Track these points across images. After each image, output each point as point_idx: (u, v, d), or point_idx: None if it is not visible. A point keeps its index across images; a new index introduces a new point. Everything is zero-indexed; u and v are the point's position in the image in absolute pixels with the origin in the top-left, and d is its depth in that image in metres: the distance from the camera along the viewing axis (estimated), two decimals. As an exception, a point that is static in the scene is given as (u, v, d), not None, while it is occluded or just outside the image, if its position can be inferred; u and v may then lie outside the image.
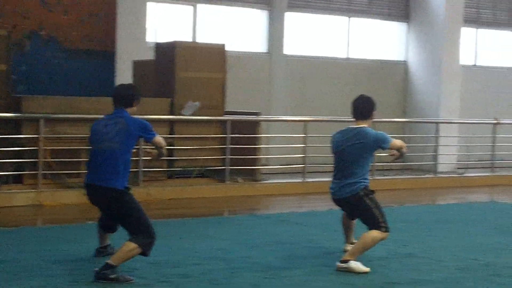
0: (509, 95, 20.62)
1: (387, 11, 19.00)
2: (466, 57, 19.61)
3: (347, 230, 8.12)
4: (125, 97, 7.14)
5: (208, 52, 13.39)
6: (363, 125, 7.61)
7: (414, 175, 16.24)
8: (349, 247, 7.80)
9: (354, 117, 7.68)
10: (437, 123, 16.74)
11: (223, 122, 13.44)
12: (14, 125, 11.88)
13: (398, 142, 7.62)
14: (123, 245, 6.65)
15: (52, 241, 8.40)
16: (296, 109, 17.47)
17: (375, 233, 7.31)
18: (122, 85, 7.42)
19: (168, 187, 12.70)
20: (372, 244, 7.34)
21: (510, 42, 21.02)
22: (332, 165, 7.79)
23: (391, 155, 7.79)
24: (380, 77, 18.85)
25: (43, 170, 11.67)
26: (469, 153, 18.68)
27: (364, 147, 7.47)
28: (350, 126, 7.67)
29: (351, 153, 7.49)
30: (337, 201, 7.71)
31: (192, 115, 13.17)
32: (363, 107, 7.65)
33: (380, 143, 7.49)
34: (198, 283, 6.56)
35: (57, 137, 11.90)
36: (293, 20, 17.65)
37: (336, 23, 18.34)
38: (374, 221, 7.36)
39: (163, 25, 15.98)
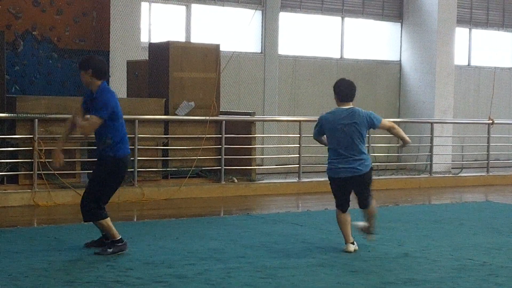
0: (503, 95, 20.68)
1: (380, 11, 19.03)
2: (459, 57, 19.65)
3: (346, 227, 8.11)
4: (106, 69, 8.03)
5: (202, 52, 13.37)
6: (352, 106, 8.09)
7: (409, 175, 16.25)
8: (351, 247, 7.96)
9: (342, 100, 8.05)
10: (432, 123, 16.75)
11: (218, 122, 13.43)
12: (8, 126, 11.85)
13: (388, 122, 8.27)
14: None
15: (47, 242, 8.37)
16: (291, 109, 17.49)
17: (374, 202, 8.14)
18: (99, 58, 8.03)
19: (163, 187, 12.69)
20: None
21: (503, 42, 21.07)
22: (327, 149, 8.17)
23: (400, 146, 8.58)
24: (374, 77, 18.87)
25: (38, 171, 11.64)
26: (463, 153, 18.71)
27: (360, 125, 7.95)
28: (341, 108, 8.05)
29: (352, 132, 7.93)
30: (348, 179, 7.98)
31: (187, 115, 13.16)
32: (351, 90, 8.10)
33: (372, 119, 8.01)
34: (194, 283, 6.54)
35: (51, 137, 11.87)
36: (287, 20, 17.66)
37: (329, 23, 18.37)
38: (370, 194, 8.13)
39: (157, 25, 15.96)
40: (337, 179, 8.01)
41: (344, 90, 8.06)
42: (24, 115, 11.69)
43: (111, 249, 7.58)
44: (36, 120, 11.65)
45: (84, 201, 7.68)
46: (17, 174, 11.81)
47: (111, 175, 7.69)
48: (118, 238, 7.66)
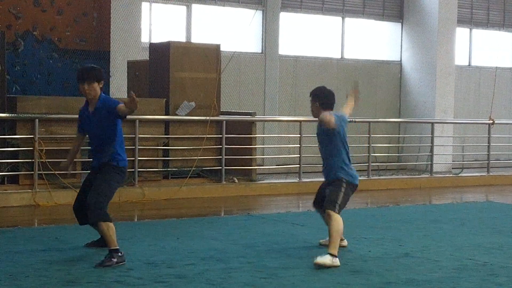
0: (504, 95, 20.68)
1: (381, 11, 19.02)
2: (460, 57, 19.65)
3: None
4: None
5: (202, 52, 13.38)
6: None
7: (410, 175, 16.24)
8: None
9: (328, 108, 7.87)
10: (432, 123, 16.75)
11: (219, 122, 13.43)
12: (9, 126, 11.86)
13: None
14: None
15: (48, 242, 8.38)
16: (291, 109, 17.49)
17: None
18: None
19: (163, 187, 12.69)
20: None
21: (504, 42, 21.06)
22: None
23: None
24: (374, 77, 18.87)
25: (39, 171, 11.64)
26: (464, 153, 18.71)
27: None
28: (335, 113, 7.87)
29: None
30: None
31: (187, 115, 13.16)
32: (334, 99, 8.02)
33: None
34: (194, 283, 6.54)
35: (52, 137, 11.88)
36: (287, 20, 17.66)
37: (330, 23, 18.36)
38: None
39: (158, 25, 15.96)
40: (357, 185, 8.06)
41: (331, 98, 7.98)
42: (25, 115, 11.70)
43: (115, 259, 7.18)
44: (37, 120, 11.66)
45: (97, 202, 7.30)
46: (18, 174, 11.82)
47: (118, 182, 7.60)
48: (117, 247, 7.28)
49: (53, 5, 14.51)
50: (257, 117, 14.56)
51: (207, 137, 13.17)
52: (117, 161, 7.53)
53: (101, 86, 7.49)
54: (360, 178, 15.48)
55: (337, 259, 7.39)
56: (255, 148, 14.03)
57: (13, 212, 10.98)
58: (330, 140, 7.90)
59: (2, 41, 11.97)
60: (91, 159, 7.91)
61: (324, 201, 7.83)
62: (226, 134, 13.39)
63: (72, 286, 6.36)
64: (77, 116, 11.76)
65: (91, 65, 7.79)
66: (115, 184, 7.55)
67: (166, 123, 13.09)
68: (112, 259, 7.15)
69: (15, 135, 11.75)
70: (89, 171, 7.99)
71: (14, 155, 11.80)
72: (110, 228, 7.26)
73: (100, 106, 7.46)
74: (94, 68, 7.59)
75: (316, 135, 8.18)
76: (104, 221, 7.26)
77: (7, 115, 11.70)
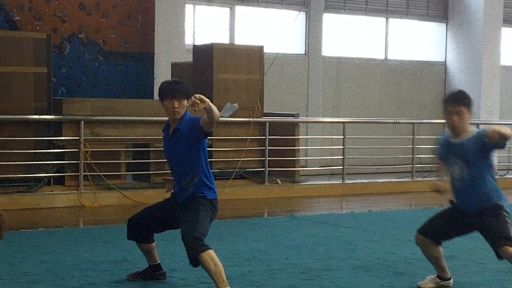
0: (551, 95, 20.38)
1: (425, 11, 18.89)
2: (506, 57, 19.42)
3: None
4: None
5: (246, 53, 13.41)
6: None
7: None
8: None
9: None
10: (477, 124, 16.54)
11: (262, 123, 13.44)
12: (55, 127, 12.01)
13: None
14: None
15: (93, 242, 8.47)
16: (334, 110, 17.45)
17: None
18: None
19: (206, 188, 12.70)
20: None
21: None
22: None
23: None
24: (419, 78, 18.74)
25: (84, 172, 11.77)
26: (510, 155, 18.47)
27: None
28: None
29: None
30: None
31: (231, 116, 13.20)
32: None
33: None
34: (237, 284, 6.55)
35: (97, 138, 12.01)
36: (330, 21, 17.62)
37: (374, 24, 18.28)
38: None
39: (201, 27, 16.04)
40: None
41: None
42: (71, 117, 11.84)
43: None
44: (82, 122, 11.79)
45: (196, 234, 6.15)
46: (64, 175, 11.96)
47: (211, 218, 6.40)
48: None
49: (98, 8, 14.68)
50: (300, 119, 14.55)
51: (250, 138, 13.19)
52: (204, 192, 6.16)
53: (187, 104, 6.10)
54: (404, 179, 15.41)
55: None
56: (298, 149, 14.02)
57: (59, 212, 11.12)
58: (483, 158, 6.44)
59: (48, 44, 12.13)
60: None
61: (494, 237, 6.23)
62: (269, 135, 13.40)
63: (117, 287, 6.43)
64: (121, 117, 12.01)
65: (175, 79, 6.76)
66: (209, 217, 6.22)
67: (210, 124, 13.13)
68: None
69: (61, 136, 11.89)
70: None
71: (60, 156, 11.94)
72: (215, 261, 5.92)
73: (183, 125, 6.10)
74: (182, 83, 6.39)
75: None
76: (204, 251, 5.93)
77: (53, 117, 11.84)
